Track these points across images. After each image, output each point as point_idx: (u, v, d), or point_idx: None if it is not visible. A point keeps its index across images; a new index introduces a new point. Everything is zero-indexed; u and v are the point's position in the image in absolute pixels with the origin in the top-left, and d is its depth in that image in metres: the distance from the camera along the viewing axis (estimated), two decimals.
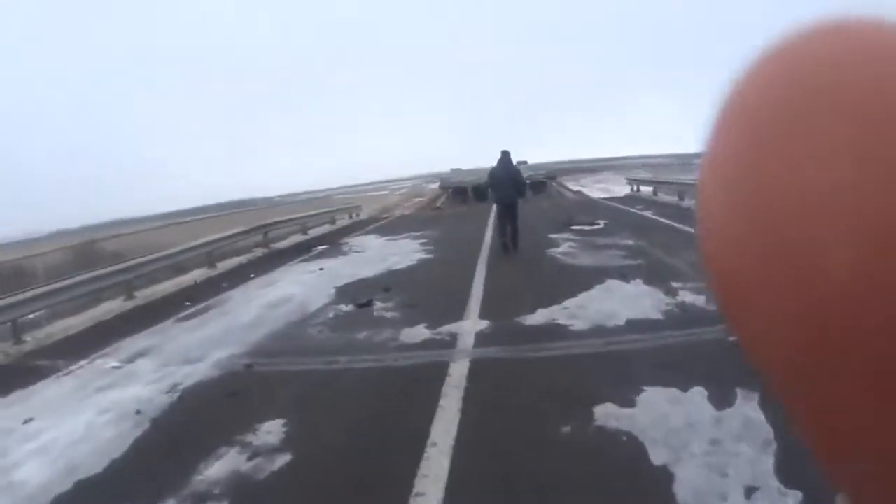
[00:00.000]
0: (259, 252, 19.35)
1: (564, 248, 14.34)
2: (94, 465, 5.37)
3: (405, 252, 16.19)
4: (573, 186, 48.41)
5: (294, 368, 7.52)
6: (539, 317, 8.58)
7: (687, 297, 8.98)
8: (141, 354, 8.64)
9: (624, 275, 10.70)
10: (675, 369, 6.22)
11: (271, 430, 5.68)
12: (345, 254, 17.37)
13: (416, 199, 50.85)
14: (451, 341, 7.89)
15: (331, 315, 10.07)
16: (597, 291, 9.70)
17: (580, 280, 10.57)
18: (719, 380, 5.71)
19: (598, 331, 7.77)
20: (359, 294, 11.19)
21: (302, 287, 12.60)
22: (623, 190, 34.97)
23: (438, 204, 45.10)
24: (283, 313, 10.49)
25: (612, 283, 10.17)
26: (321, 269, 14.62)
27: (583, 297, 9.36)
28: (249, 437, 5.58)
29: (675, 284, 9.73)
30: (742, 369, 6.16)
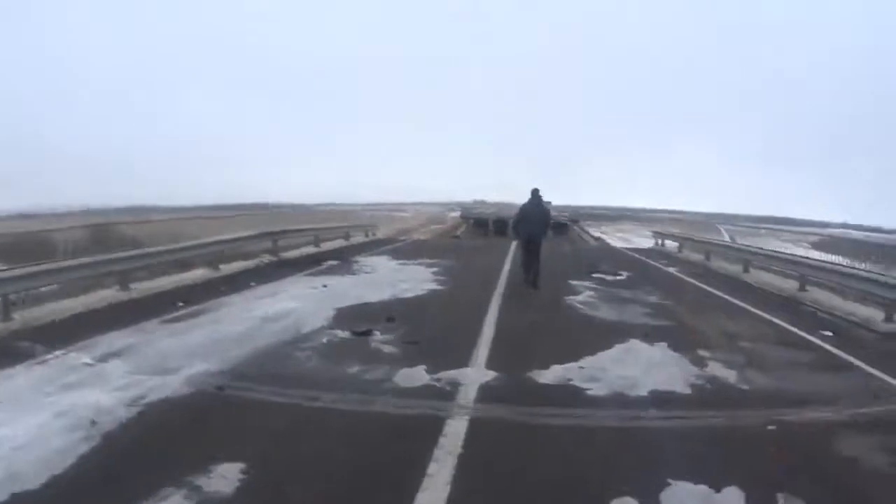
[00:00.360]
0: (266, 259, 18.66)
1: (585, 296, 13.44)
2: (30, 478, 4.62)
3: (416, 279, 15.33)
4: (594, 232, 47.53)
5: (271, 399, 6.58)
6: (553, 374, 7.64)
7: (717, 369, 8.07)
8: (117, 354, 7.92)
9: (647, 335, 9.78)
10: (706, 460, 5.33)
11: (227, 475, 4.78)
12: (354, 273, 16.55)
13: (436, 226, 50.01)
14: (452, 391, 6.96)
15: (324, 340, 9.19)
16: (617, 352, 8.77)
17: (600, 335, 9.65)
18: (757, 478, 4.88)
19: (619, 400, 6.82)
20: (359, 320, 10.33)
21: (301, 303, 11.77)
22: (646, 242, 34.08)
23: (458, 233, 44.36)
24: (275, 330, 9.64)
25: (635, 344, 9.24)
26: (325, 287, 13.81)
27: (602, 357, 8.42)
28: (201, 480, 4.68)
29: (702, 353, 8.83)
30: (787, 468, 5.28)
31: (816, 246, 20.75)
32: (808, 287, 14.80)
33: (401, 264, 18.67)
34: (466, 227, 47.53)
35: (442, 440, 5.55)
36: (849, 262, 16.92)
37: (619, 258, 23.23)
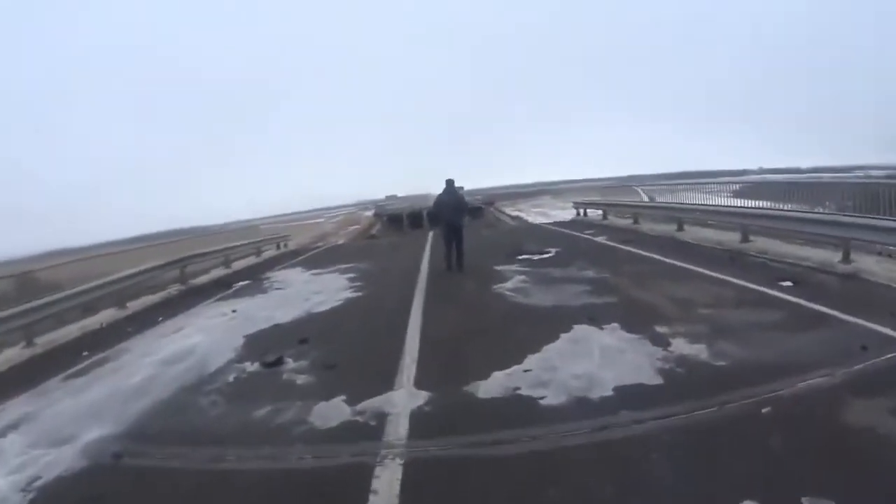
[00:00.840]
0: (175, 289, 16.92)
1: (514, 282, 12.21)
2: None
3: (331, 290, 13.83)
4: (511, 211, 46.67)
5: (170, 466, 5.37)
6: (496, 384, 6.36)
7: (683, 347, 7.01)
8: (14, 426, 6.87)
9: (593, 318, 8.60)
10: (705, 473, 4.20)
11: None
12: (264, 291, 14.93)
13: (352, 227, 48.34)
14: (378, 427, 5.59)
15: (231, 378, 7.79)
16: (564, 343, 7.58)
17: (540, 326, 8.44)
18: (772, 481, 3.89)
19: (580, 407, 5.59)
20: (270, 346, 8.94)
21: (208, 336, 10.34)
22: (567, 214, 33.41)
23: (373, 232, 42.94)
24: (179, 373, 8.29)
25: (582, 330, 8.05)
26: (234, 312, 12.29)
27: (549, 352, 7.22)
28: None
29: (661, 329, 7.76)
30: (804, 461, 4.17)
31: (739, 194, 20.07)
32: (751, 237, 14.06)
33: (314, 275, 17.09)
34: (381, 224, 46.01)
35: (373, 500, 4.25)
36: (779, 206, 16.13)
37: (542, 234, 22.19)
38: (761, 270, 11.27)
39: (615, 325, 8.13)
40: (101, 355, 9.90)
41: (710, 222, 16.75)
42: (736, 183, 22.29)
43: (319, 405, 6.31)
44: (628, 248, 15.77)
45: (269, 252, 25.85)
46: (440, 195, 15.06)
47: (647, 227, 19.82)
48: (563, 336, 7.80)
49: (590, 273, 12.47)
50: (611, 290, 10.54)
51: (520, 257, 15.84)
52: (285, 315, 11.29)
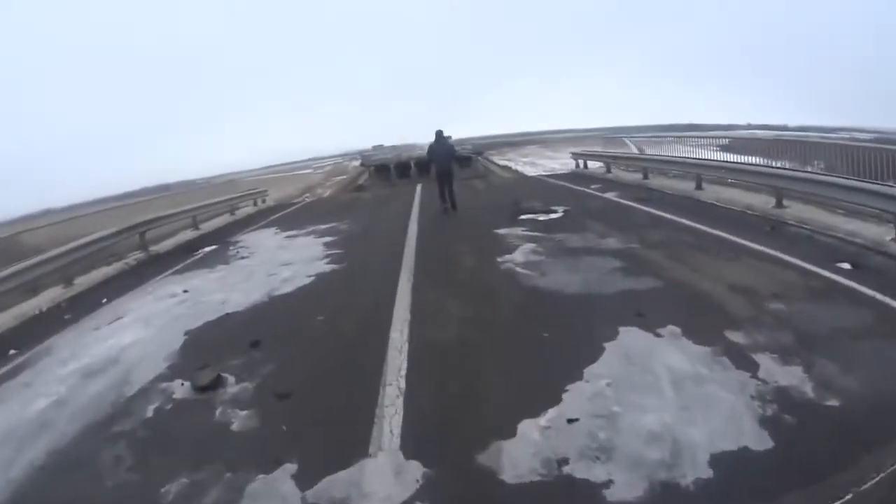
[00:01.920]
0: (133, 258, 14.46)
1: (524, 253, 9.86)
2: None
3: (303, 259, 11.49)
4: (500, 161, 44.06)
5: None
6: (527, 450, 4.08)
7: (776, 372, 4.86)
8: None
9: (641, 314, 6.32)
10: None
11: None
12: (226, 261, 12.52)
13: (339, 178, 45.66)
14: None
15: (150, 413, 5.52)
16: (614, 361, 5.33)
17: (573, 328, 6.20)
18: None
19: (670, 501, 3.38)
20: (212, 351, 6.76)
21: (145, 330, 8.12)
22: (559, 165, 31.48)
23: (361, 182, 40.37)
24: (91, 398, 6.05)
25: (632, 337, 5.79)
26: (185, 292, 9.95)
27: (595, 380, 4.96)
28: None
29: (736, 338, 5.55)
30: None
31: (727, 148, 18.44)
32: (785, 202, 11.79)
33: (288, 237, 14.69)
34: (368, 174, 43.20)
35: None
36: (772, 163, 14.22)
37: (543, 189, 19.69)
38: (811, 246, 8.99)
39: (673, 328, 5.87)
40: (22, 359, 7.79)
41: (729, 180, 14.37)
42: (725, 137, 20.73)
43: (257, 481, 4.04)
44: (647, 208, 13.38)
45: (246, 209, 23.27)
46: (432, 144, 16.38)
47: (659, 182, 17.39)
48: (609, 348, 5.54)
49: (613, 241, 10.13)
50: (647, 268, 8.23)
51: (523, 217, 13.48)
52: (242, 299, 8.98)
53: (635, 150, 26.13)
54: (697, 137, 20.79)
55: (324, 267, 10.65)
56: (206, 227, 19.07)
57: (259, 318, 7.91)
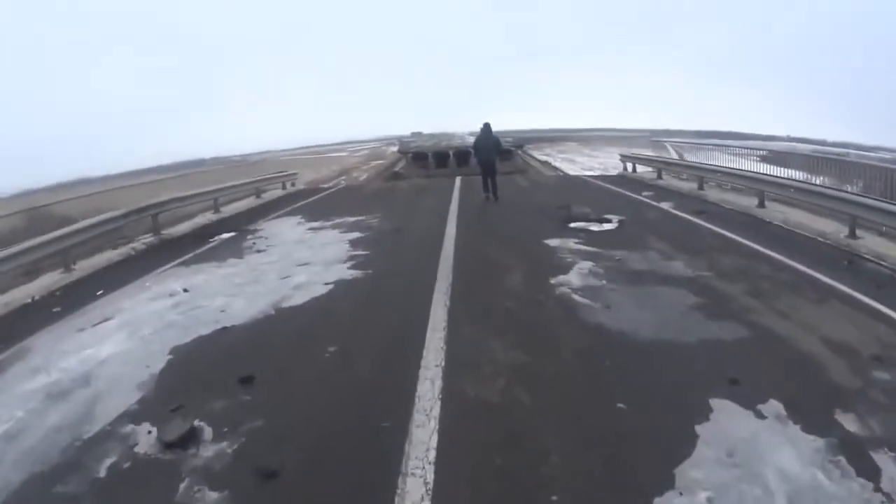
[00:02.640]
0: (142, 243, 13.19)
1: (580, 275, 8.34)
2: None
3: (323, 261, 10.08)
4: (539, 156, 42.32)
5: None
6: None
7: None
8: None
9: (735, 379, 4.91)
10: None
11: None
12: (240, 254, 11.15)
13: (375, 163, 44.27)
14: None
15: (101, 472, 4.23)
16: (710, 457, 3.93)
17: (652, 396, 4.78)
18: None
19: None
20: (194, 385, 5.49)
21: (128, 342, 6.81)
22: (600, 164, 30.30)
23: (397, 169, 38.91)
24: (42, 437, 4.82)
25: (728, 418, 4.39)
26: (185, 292, 8.64)
27: (692, 490, 3.58)
28: None
29: (849, 424, 4.28)
30: None
31: (766, 160, 17.73)
32: (857, 232, 10.25)
33: (311, 230, 13.31)
34: (406, 161, 41.73)
35: None
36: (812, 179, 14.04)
37: (591, 192, 18.08)
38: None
39: (776, 404, 4.52)
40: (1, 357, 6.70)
41: (796, 200, 12.65)
42: (763, 149, 19.69)
43: None
44: (710, 225, 11.74)
45: (274, 193, 21.90)
46: (477, 137, 16.84)
47: (716, 195, 15.62)
48: (703, 434, 4.13)
49: (680, 266, 8.61)
50: (728, 309, 6.77)
51: (574, 225, 11.99)
52: (245, 308, 7.65)
53: (675, 156, 24.72)
54: (738, 147, 19.64)
55: (345, 273, 9.21)
56: (229, 210, 17.77)
57: (258, 339, 6.53)
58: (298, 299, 7.93)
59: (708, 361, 5.29)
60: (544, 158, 40.65)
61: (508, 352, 5.77)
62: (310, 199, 19.76)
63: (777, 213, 12.66)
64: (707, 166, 17.55)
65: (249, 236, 13.11)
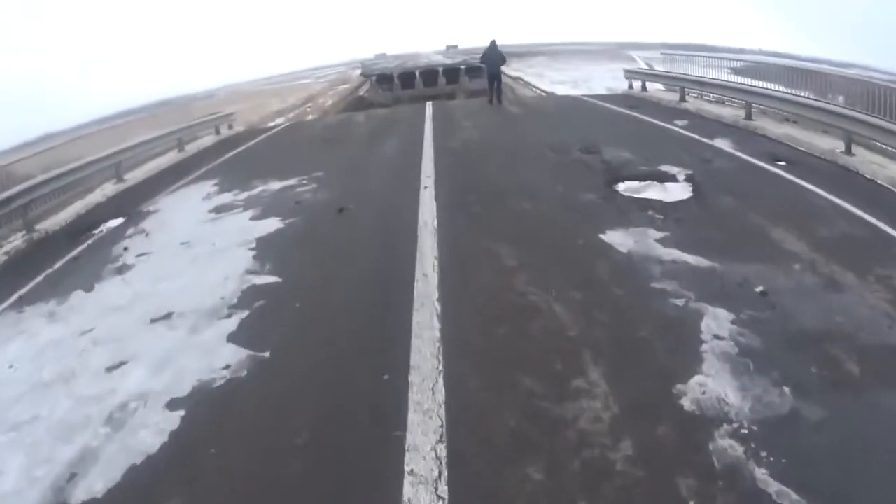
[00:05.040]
0: (10, 244, 8.78)
1: (732, 370, 3.63)
2: None
3: (198, 300, 5.38)
4: (510, 73, 36.90)
5: None
6: None
7: None
8: None
9: None
10: None
11: None
12: (89, 285, 6.36)
13: (342, 87, 38.44)
14: None
15: None
16: None
17: None
18: None
19: None
20: None
21: None
22: (570, 79, 25.60)
23: (362, 93, 33.29)
24: None
25: None
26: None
27: None
28: None
29: None
30: None
31: (739, 72, 14.84)
32: None
33: (215, 212, 8.39)
34: (370, 85, 35.95)
35: None
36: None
37: (608, 123, 12.81)
38: None
39: None
40: None
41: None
42: (737, 60, 17.40)
43: None
44: (820, 191, 6.95)
45: (203, 141, 16.27)
46: (486, 50, 17.62)
47: (774, 128, 10.71)
48: None
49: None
50: None
51: (623, 189, 7.35)
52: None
53: (644, 66, 22.29)
54: (710, 58, 16.60)
55: (222, 353, 4.38)
56: (138, 174, 12.61)
57: None
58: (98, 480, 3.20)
59: None
60: (516, 75, 35.43)
61: None
62: (241, 149, 14.36)
63: (868, 161, 8.02)
64: (758, 89, 12.31)
65: (131, 229, 8.37)
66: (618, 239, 5.62)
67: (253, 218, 7.73)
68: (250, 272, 5.79)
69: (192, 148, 15.29)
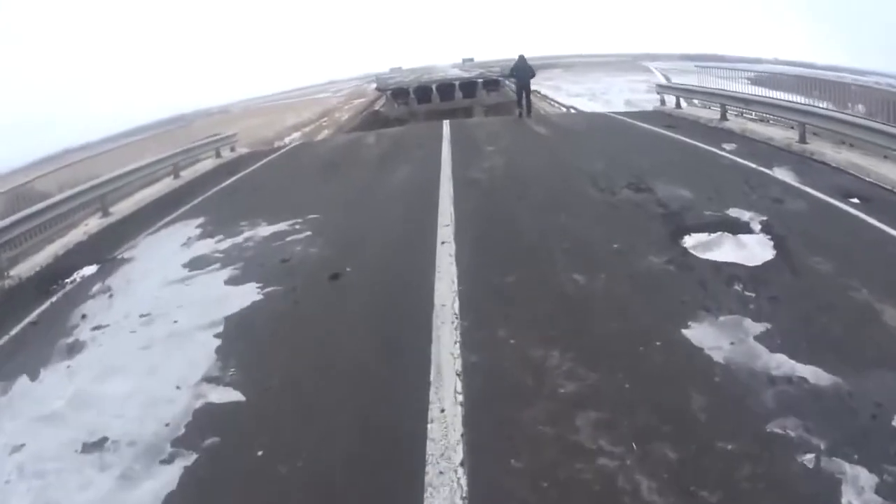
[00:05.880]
0: None
1: None
2: None
3: (175, 383, 4.22)
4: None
5: None
6: None
7: None
8: None
9: None
10: None
11: None
12: (35, 372, 4.99)
13: (358, 101, 37.41)
14: None
15: None
16: None
17: None
18: None
19: None
20: None
21: None
22: (588, 91, 25.71)
23: (377, 107, 32.65)
24: None
25: None
26: None
27: None
28: None
29: None
30: None
31: (756, 82, 14.23)
32: None
33: (190, 267, 6.96)
34: (385, 99, 34.70)
35: None
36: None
37: (648, 147, 11.20)
38: None
39: None
40: None
41: None
42: (754, 71, 17.43)
43: None
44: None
45: (203, 165, 14.96)
46: (515, 64, 18.06)
47: (833, 154, 9.16)
48: None
49: None
50: None
51: (690, 247, 5.86)
52: None
53: (662, 79, 22.00)
54: (725, 69, 16.02)
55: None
56: (127, 206, 11.34)
57: None
58: None
59: None
60: (533, 88, 34.15)
61: None
62: (237, 176, 12.94)
63: None
64: (815, 109, 10.60)
65: (98, 284, 7.02)
66: (708, 338, 4.09)
67: (228, 281, 6.31)
68: (209, 379, 4.35)
69: (188, 174, 14.01)
